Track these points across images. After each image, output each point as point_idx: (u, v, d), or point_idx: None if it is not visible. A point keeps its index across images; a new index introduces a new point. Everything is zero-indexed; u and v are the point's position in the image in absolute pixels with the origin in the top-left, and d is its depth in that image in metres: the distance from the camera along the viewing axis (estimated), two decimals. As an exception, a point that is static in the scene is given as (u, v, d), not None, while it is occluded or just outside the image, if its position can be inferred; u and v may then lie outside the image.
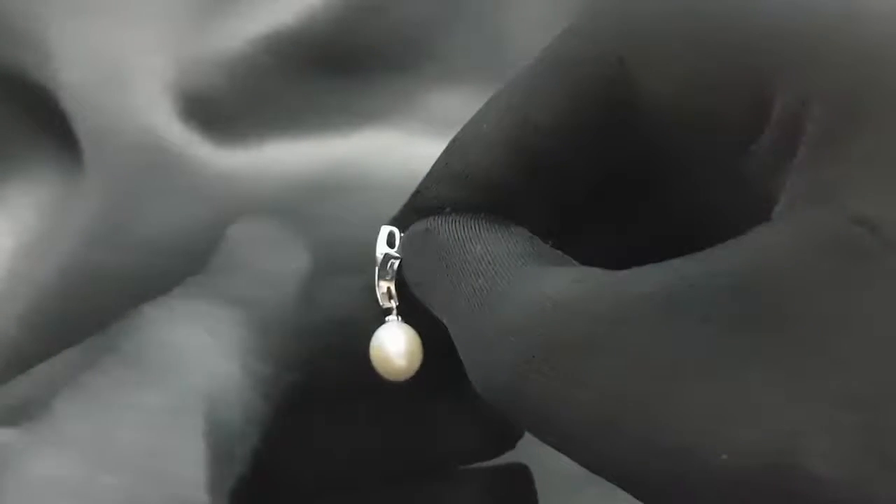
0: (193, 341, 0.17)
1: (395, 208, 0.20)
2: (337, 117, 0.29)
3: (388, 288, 0.20)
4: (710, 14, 0.15)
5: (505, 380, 0.16)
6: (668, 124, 0.16)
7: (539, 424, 0.16)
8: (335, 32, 0.28)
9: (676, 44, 0.15)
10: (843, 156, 0.13)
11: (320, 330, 0.20)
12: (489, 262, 0.17)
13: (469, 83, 0.29)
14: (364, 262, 0.20)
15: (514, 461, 0.23)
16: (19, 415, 0.16)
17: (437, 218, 0.18)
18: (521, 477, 0.23)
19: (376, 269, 0.20)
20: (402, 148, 0.29)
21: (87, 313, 0.18)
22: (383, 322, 0.20)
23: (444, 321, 0.18)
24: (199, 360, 0.17)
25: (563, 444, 0.15)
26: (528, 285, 0.16)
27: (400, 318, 0.20)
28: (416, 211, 0.19)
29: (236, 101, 0.28)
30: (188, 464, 0.15)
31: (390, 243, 0.19)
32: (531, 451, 0.21)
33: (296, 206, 0.28)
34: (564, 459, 0.15)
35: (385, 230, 0.20)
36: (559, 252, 0.18)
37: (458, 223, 0.18)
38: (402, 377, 0.20)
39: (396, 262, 0.19)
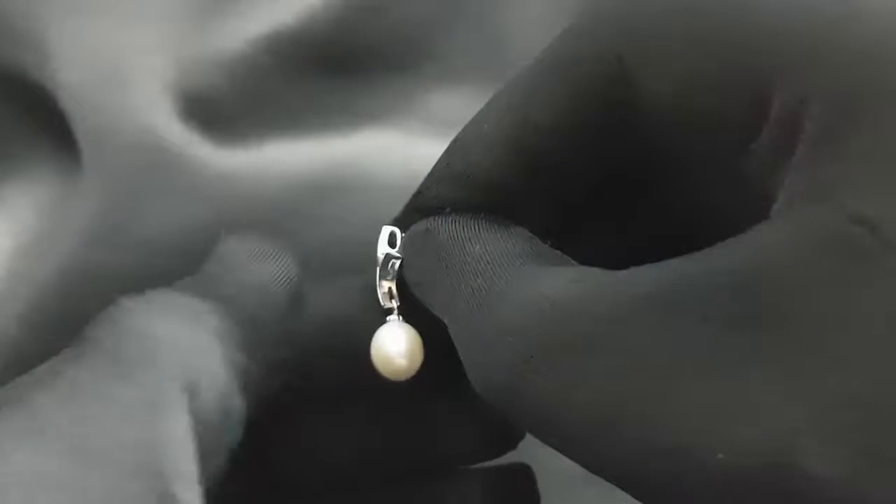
0: (171, 331, 0.17)
1: (395, 208, 0.20)
2: (337, 117, 0.29)
3: (390, 288, 0.20)
4: (710, 13, 0.15)
5: (503, 379, 0.16)
6: (668, 123, 0.16)
7: (538, 424, 0.16)
8: (335, 32, 0.28)
9: (676, 43, 0.15)
10: (841, 154, 0.13)
11: (319, 332, 0.20)
12: (488, 263, 0.17)
13: (469, 83, 0.29)
14: (364, 263, 0.20)
15: (516, 461, 0.23)
16: None
17: (437, 218, 0.18)
18: (522, 476, 0.23)
19: (377, 269, 0.20)
20: (402, 148, 0.29)
21: (87, 313, 0.18)
22: (384, 322, 0.20)
23: (445, 321, 0.18)
24: (176, 351, 0.17)
25: (561, 444, 0.15)
26: (527, 285, 0.16)
27: (401, 318, 0.20)
28: (417, 211, 0.19)
29: (236, 101, 0.28)
30: (167, 457, 0.15)
31: (391, 243, 0.20)
32: (531, 452, 0.22)
33: (296, 206, 0.28)
34: (564, 459, 0.15)
35: (386, 230, 0.20)
36: (558, 252, 0.18)
37: (457, 223, 0.18)
38: (403, 377, 0.20)
39: (397, 263, 0.19)
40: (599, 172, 0.18)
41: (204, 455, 0.16)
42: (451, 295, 0.17)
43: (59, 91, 0.27)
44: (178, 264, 0.20)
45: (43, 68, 0.27)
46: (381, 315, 0.20)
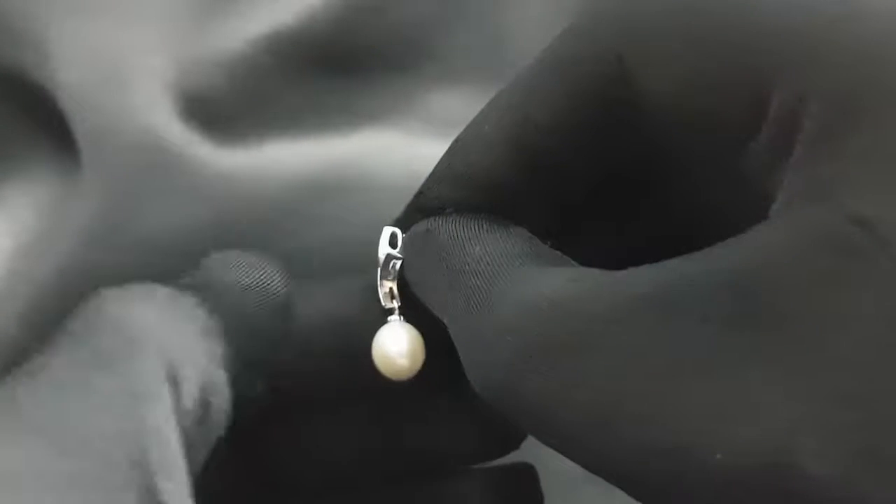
0: (150, 321, 0.17)
1: (395, 208, 0.20)
2: (337, 117, 0.29)
3: (391, 288, 0.20)
4: (709, 13, 0.15)
5: (502, 379, 0.16)
6: (668, 123, 0.16)
7: (537, 425, 0.16)
8: (335, 32, 0.28)
9: (675, 42, 0.15)
10: (839, 153, 0.13)
11: (320, 331, 0.20)
12: (488, 263, 0.17)
13: (469, 83, 0.29)
14: (365, 263, 0.20)
15: (517, 460, 0.23)
16: None
17: (437, 219, 0.19)
18: (525, 476, 0.23)
19: (378, 269, 0.20)
20: (402, 148, 0.29)
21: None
22: (385, 322, 0.20)
23: (445, 321, 0.18)
24: (155, 341, 0.17)
25: (560, 444, 0.15)
26: (526, 285, 0.16)
27: (402, 318, 0.20)
28: (418, 211, 0.19)
29: (236, 101, 0.28)
30: (150, 448, 0.15)
31: (393, 244, 0.20)
32: (530, 451, 0.22)
33: (296, 206, 0.28)
34: (564, 459, 0.15)
35: (387, 231, 0.20)
36: (558, 253, 0.18)
37: (458, 224, 0.18)
38: (405, 377, 0.20)
39: (398, 263, 0.19)
40: (599, 172, 0.18)
41: (187, 446, 0.16)
42: (451, 295, 0.17)
43: (58, 91, 0.27)
44: (177, 264, 0.20)
45: (43, 68, 0.27)
46: (383, 315, 0.20)
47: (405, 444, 0.22)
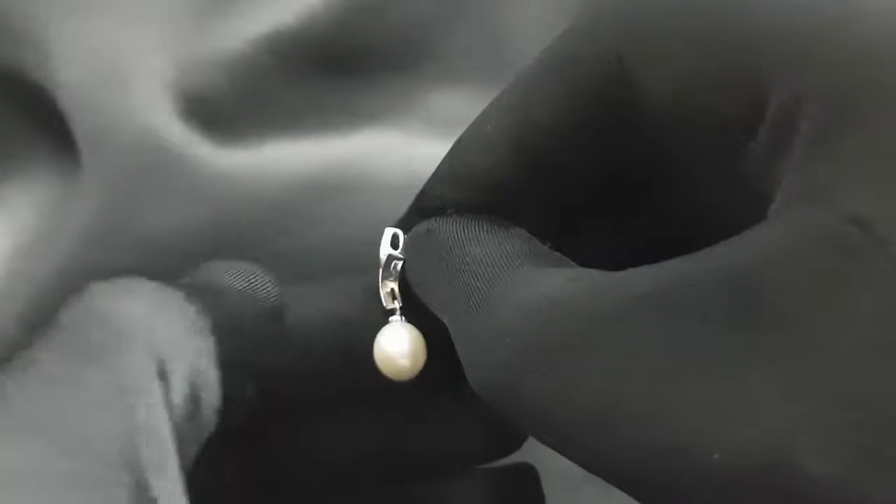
0: (139, 315, 0.17)
1: (395, 208, 0.20)
2: (337, 117, 0.29)
3: (392, 289, 0.20)
4: (709, 13, 0.15)
5: (502, 379, 0.16)
6: (668, 123, 0.16)
7: (536, 425, 0.16)
8: (335, 32, 0.28)
9: (675, 43, 0.15)
10: (837, 154, 0.13)
11: (321, 332, 0.20)
12: (487, 264, 0.17)
13: (469, 83, 0.29)
14: (365, 263, 0.20)
15: (518, 460, 0.23)
16: None
17: (438, 219, 0.19)
18: (526, 476, 0.23)
19: (380, 269, 0.20)
20: (402, 148, 0.29)
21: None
22: (387, 322, 0.20)
23: (445, 322, 0.18)
24: (143, 335, 0.17)
25: (560, 444, 0.15)
26: (525, 286, 0.16)
27: (403, 319, 0.20)
28: (420, 212, 0.19)
29: (236, 101, 0.28)
30: (141, 445, 0.15)
31: (394, 245, 0.20)
32: (530, 451, 0.22)
33: (296, 206, 0.28)
34: (564, 459, 0.15)
35: (389, 232, 0.20)
36: (557, 253, 0.18)
37: (458, 224, 0.18)
38: (406, 377, 0.20)
39: (399, 264, 0.19)
40: (599, 172, 0.18)
41: (180, 442, 0.16)
42: (451, 296, 0.17)
43: (58, 91, 0.27)
44: (177, 264, 0.20)
45: (43, 68, 0.27)
46: (384, 316, 0.20)
47: (406, 444, 0.22)
